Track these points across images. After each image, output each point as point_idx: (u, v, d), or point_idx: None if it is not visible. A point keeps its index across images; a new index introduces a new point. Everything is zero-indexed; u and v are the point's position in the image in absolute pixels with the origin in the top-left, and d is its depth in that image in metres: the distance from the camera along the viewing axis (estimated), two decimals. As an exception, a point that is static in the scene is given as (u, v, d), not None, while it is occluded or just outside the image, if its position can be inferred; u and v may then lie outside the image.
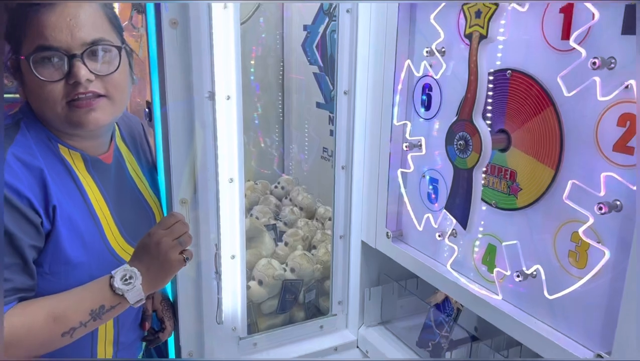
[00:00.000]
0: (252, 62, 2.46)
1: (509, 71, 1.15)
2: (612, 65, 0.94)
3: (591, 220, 0.98)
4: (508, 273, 1.18)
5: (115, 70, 1.17)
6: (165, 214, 1.45)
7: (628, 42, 0.92)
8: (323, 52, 2.26)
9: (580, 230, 1.01)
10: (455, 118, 1.18)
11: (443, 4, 1.27)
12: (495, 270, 1.22)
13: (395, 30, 1.41)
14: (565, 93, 1.01)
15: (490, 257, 1.26)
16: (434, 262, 1.42)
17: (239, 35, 1.39)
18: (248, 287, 1.72)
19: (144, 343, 1.45)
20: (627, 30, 0.92)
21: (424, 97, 1.40)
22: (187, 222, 1.22)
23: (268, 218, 2.14)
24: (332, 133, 1.69)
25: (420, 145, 1.40)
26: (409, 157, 1.44)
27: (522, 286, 1.17)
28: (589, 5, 0.96)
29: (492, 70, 1.17)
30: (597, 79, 0.96)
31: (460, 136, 1.16)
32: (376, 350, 1.69)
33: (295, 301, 1.86)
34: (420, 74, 1.39)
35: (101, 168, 1.27)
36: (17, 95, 1.21)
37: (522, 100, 1.13)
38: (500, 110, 1.18)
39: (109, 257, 1.23)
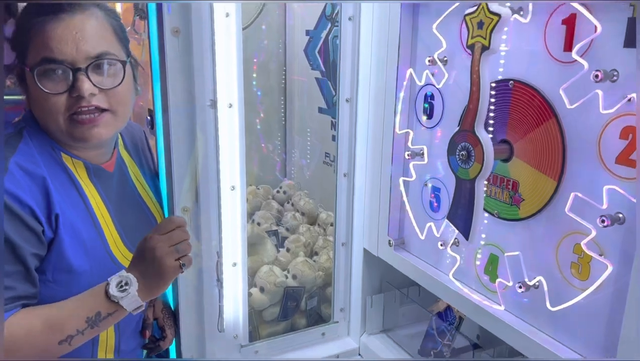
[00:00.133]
0: (255, 67, 2.46)
1: (511, 82, 1.15)
2: (615, 78, 0.94)
3: (593, 233, 0.98)
4: (510, 283, 1.18)
5: (119, 84, 1.17)
6: (167, 221, 1.45)
7: (630, 55, 0.92)
8: (325, 57, 2.26)
9: (583, 243, 1.00)
10: (458, 128, 1.18)
11: (446, 13, 1.26)
12: (498, 280, 1.22)
13: (397, 38, 1.40)
14: (568, 106, 1.01)
15: (492, 267, 1.25)
16: (436, 270, 1.42)
17: (241, 43, 1.39)
18: (250, 294, 1.72)
19: (144, 351, 1.45)
20: (629, 43, 0.92)
21: (426, 106, 1.40)
22: (189, 228, 1.21)
23: (270, 223, 2.14)
24: (334, 138, 1.69)
25: (423, 154, 1.40)
26: (411, 165, 1.44)
27: (525, 297, 1.17)
28: (591, 17, 0.96)
29: (494, 81, 1.17)
30: (600, 92, 0.96)
31: (463, 146, 1.16)
32: (378, 358, 1.69)
33: (297, 308, 1.86)
34: (422, 83, 1.39)
35: (103, 177, 1.27)
36: (21, 97, 1.21)
37: (524, 111, 1.13)
38: (502, 120, 1.18)
39: (111, 265, 1.23)
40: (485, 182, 1.20)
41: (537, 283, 1.12)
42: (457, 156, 1.18)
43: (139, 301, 1.09)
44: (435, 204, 1.42)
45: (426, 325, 1.61)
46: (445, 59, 1.30)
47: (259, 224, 2.11)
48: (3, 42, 1.13)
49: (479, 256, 1.29)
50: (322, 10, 2.23)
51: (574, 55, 0.98)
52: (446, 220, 1.25)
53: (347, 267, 1.76)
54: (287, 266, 1.91)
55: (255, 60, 2.45)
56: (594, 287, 1.00)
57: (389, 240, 1.54)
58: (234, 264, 1.54)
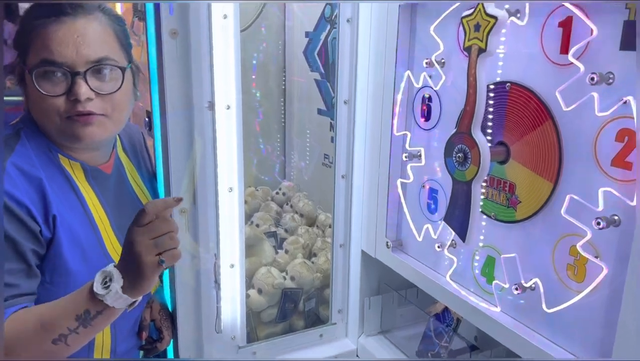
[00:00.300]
0: (254, 69, 2.46)
1: (508, 84, 1.15)
2: (611, 81, 0.94)
3: (589, 235, 0.98)
4: (507, 285, 1.18)
5: (117, 90, 1.17)
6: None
7: (626, 58, 0.92)
8: (324, 59, 2.27)
9: (579, 245, 1.00)
10: (454, 130, 1.18)
11: (443, 15, 1.27)
12: (494, 282, 1.22)
13: (395, 40, 1.41)
14: (564, 108, 1.01)
15: (489, 268, 1.26)
16: (434, 272, 1.42)
17: (239, 45, 1.39)
18: (247, 296, 1.72)
19: (141, 352, 1.45)
20: (626, 45, 0.92)
21: (424, 108, 1.40)
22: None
23: (268, 225, 2.14)
24: (333, 140, 1.70)
25: (420, 156, 1.40)
26: (408, 167, 1.44)
27: (521, 299, 1.17)
28: (587, 20, 0.96)
29: (491, 83, 1.17)
30: (595, 94, 0.96)
31: (459, 149, 1.16)
32: (376, 360, 1.69)
33: (295, 309, 1.86)
34: (419, 85, 1.39)
35: (101, 178, 1.27)
36: (20, 98, 1.21)
37: (521, 113, 1.13)
38: (499, 122, 1.18)
39: (108, 266, 1.23)
40: (484, 184, 1.21)
41: (533, 285, 1.12)
42: (453, 158, 1.18)
43: (125, 298, 1.02)
44: (433, 206, 1.42)
45: (424, 327, 1.61)
46: (442, 61, 1.30)
47: (257, 225, 2.11)
48: (3, 42, 1.13)
49: (476, 258, 1.29)
50: (321, 12, 2.24)
51: (570, 57, 0.99)
52: (443, 221, 1.25)
53: (345, 269, 1.76)
54: (285, 267, 1.91)
55: (254, 61, 2.45)
56: (589, 289, 1.00)
57: (387, 242, 1.55)
58: (232, 265, 1.54)
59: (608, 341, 0.99)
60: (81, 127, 1.14)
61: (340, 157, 1.67)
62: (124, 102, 1.21)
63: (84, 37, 1.12)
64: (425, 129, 1.41)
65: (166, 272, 1.48)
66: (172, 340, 1.51)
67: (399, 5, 1.38)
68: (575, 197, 1.01)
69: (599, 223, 0.95)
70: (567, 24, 1.01)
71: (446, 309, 1.57)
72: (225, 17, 1.35)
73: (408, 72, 1.41)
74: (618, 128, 0.95)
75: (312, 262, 1.95)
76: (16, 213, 1.07)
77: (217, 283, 1.48)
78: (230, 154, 1.46)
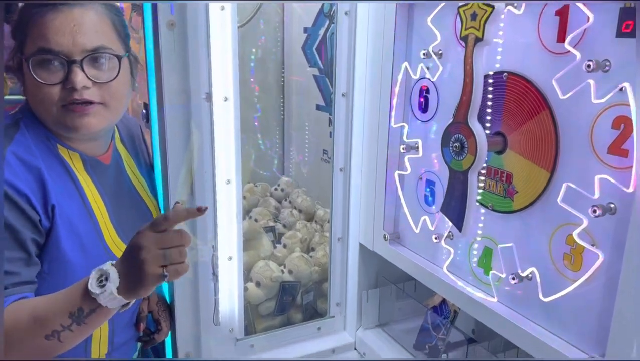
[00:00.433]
0: (252, 64, 2.46)
1: (505, 73, 1.15)
2: (607, 68, 0.94)
3: (585, 223, 0.98)
4: (503, 275, 1.18)
5: (114, 78, 1.17)
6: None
7: (623, 45, 0.92)
8: (323, 54, 2.27)
9: (575, 233, 1.00)
10: (451, 120, 1.18)
11: (440, 6, 1.27)
12: (491, 272, 1.22)
13: (392, 32, 1.41)
14: (560, 96, 1.01)
15: (486, 259, 1.26)
16: (431, 264, 1.42)
17: (237, 36, 1.39)
18: (245, 289, 1.72)
19: (139, 344, 1.45)
20: (622, 32, 0.92)
21: (421, 100, 1.40)
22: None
23: (267, 220, 2.14)
24: (331, 135, 1.70)
25: (417, 148, 1.40)
26: (406, 159, 1.44)
27: (517, 289, 1.17)
28: (583, 7, 0.96)
29: (488, 73, 1.17)
30: (592, 82, 0.96)
31: (456, 138, 1.16)
32: (373, 353, 1.69)
33: (293, 303, 1.86)
34: (417, 76, 1.39)
35: (100, 169, 1.27)
36: (21, 97, 1.21)
37: (518, 102, 1.13)
38: (496, 112, 1.18)
39: (106, 258, 1.21)
40: (481, 178, 1.21)
41: (530, 275, 1.12)
42: (450, 148, 1.18)
43: (119, 299, 0.99)
44: (430, 198, 1.42)
45: (422, 320, 1.61)
46: (440, 52, 1.30)
47: (256, 220, 2.11)
48: (3, 42, 1.13)
49: (473, 250, 1.29)
50: (319, 7, 2.24)
51: (567, 45, 0.99)
52: (440, 212, 1.25)
53: (343, 262, 1.76)
54: (283, 261, 1.91)
55: (252, 57, 2.45)
56: (585, 277, 1.00)
57: (385, 234, 1.54)
58: (230, 258, 1.54)
59: (604, 330, 0.98)
60: (78, 118, 1.14)
61: (338, 150, 1.67)
62: (122, 91, 1.21)
63: (80, 26, 1.12)
64: (422, 121, 1.41)
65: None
66: (170, 332, 1.51)
67: (397, -3, 1.38)
68: (572, 185, 1.01)
69: (595, 211, 0.95)
70: (563, 12, 1.01)
71: (444, 302, 1.57)
72: (222, 8, 1.35)
73: (405, 63, 1.41)
74: (614, 115, 0.95)
75: (310, 256, 1.95)
76: (16, 202, 1.07)
77: (214, 275, 1.48)
78: (228, 146, 1.45)
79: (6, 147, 1.11)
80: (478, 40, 1.08)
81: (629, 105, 0.91)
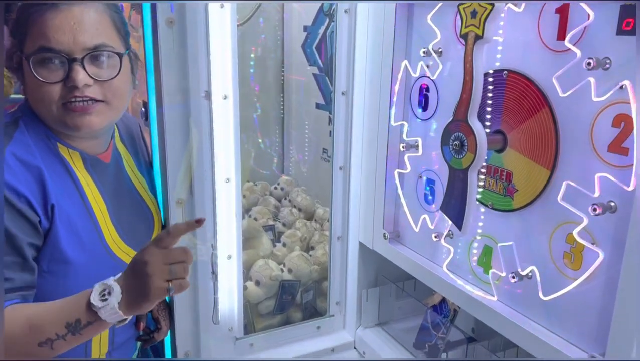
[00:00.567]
0: (252, 62, 2.46)
1: (505, 72, 1.15)
2: (607, 66, 0.94)
3: (585, 221, 0.98)
4: (503, 274, 1.18)
5: (115, 76, 1.17)
6: (162, 214, 1.45)
7: (623, 43, 0.92)
8: (323, 53, 2.26)
9: (575, 231, 1.00)
10: (451, 118, 1.18)
11: (440, 4, 1.26)
12: (491, 271, 1.22)
13: (392, 30, 1.40)
14: (561, 94, 1.00)
15: (486, 258, 1.25)
16: (431, 263, 1.42)
17: (236, 34, 1.39)
18: (245, 288, 1.72)
19: (139, 343, 1.45)
20: (622, 30, 0.92)
21: (421, 98, 1.40)
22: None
23: (267, 218, 2.14)
24: (331, 134, 1.69)
25: (417, 146, 1.40)
26: (405, 157, 1.44)
27: (517, 288, 1.17)
28: (584, 5, 0.96)
29: (488, 71, 1.17)
30: (592, 80, 0.96)
31: (456, 136, 1.16)
32: (373, 352, 1.69)
33: (292, 302, 1.86)
34: (417, 75, 1.39)
35: (100, 168, 1.27)
36: (21, 97, 1.21)
37: (518, 100, 1.13)
38: (496, 110, 1.18)
39: (106, 257, 1.23)
40: (481, 176, 1.21)
41: (529, 273, 1.12)
42: (450, 146, 1.18)
43: (119, 315, 1.00)
44: (430, 196, 1.41)
45: (421, 319, 1.61)
46: (440, 50, 1.30)
47: (255, 219, 2.11)
48: (3, 42, 1.13)
49: (472, 248, 1.29)
50: (319, 6, 2.23)
51: (567, 43, 0.98)
52: (440, 210, 1.25)
53: (342, 261, 1.76)
54: (282, 260, 1.91)
55: (252, 55, 2.45)
56: (585, 276, 1.00)
57: (384, 233, 1.54)
58: (229, 257, 1.54)
59: (604, 328, 0.98)
60: (78, 116, 1.14)
61: (338, 148, 1.67)
62: (123, 89, 1.21)
63: (80, 24, 1.12)
64: (422, 119, 1.41)
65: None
66: (169, 331, 1.51)
67: (397, -5, 1.38)
68: (572, 183, 1.01)
69: (595, 210, 0.95)
70: (564, 10, 1.01)
71: (443, 300, 1.57)
72: (222, 6, 1.35)
73: (405, 61, 1.41)
74: (614, 114, 0.94)
75: (310, 255, 1.95)
76: (15, 205, 1.06)
77: (214, 274, 1.48)
78: (228, 145, 1.45)
79: (6, 146, 1.10)
80: (478, 38, 1.08)
81: (629, 103, 0.91)
